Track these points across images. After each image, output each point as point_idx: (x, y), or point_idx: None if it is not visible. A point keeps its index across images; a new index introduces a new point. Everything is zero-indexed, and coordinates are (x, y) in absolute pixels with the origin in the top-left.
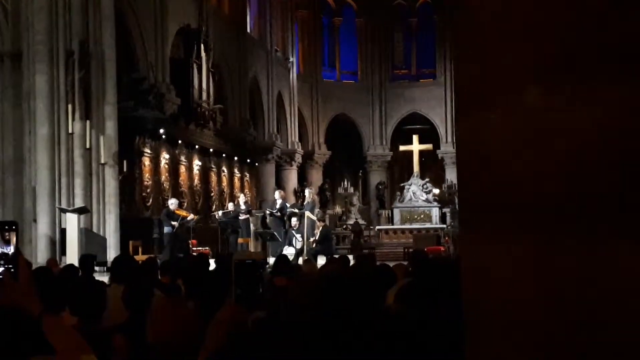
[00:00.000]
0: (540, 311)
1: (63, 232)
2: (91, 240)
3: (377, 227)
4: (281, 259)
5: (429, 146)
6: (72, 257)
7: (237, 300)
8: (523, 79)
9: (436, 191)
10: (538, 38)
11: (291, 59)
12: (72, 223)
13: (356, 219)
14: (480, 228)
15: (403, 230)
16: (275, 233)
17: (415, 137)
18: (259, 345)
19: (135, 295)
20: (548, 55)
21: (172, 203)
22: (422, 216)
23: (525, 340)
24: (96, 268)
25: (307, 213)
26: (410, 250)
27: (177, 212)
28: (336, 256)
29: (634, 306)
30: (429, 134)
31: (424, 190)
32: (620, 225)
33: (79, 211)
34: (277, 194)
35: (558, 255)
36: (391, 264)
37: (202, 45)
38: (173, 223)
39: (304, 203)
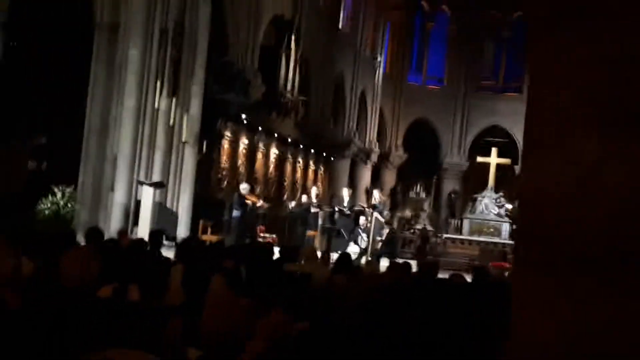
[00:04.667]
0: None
1: (138, 203)
2: (163, 215)
3: (445, 235)
4: (344, 256)
5: (507, 160)
6: (143, 228)
7: (285, 309)
8: (584, 131)
9: (509, 206)
10: (599, 97)
11: (379, 59)
12: (147, 196)
13: (424, 224)
14: (529, 262)
15: (470, 242)
16: (342, 230)
17: (494, 150)
18: (300, 355)
19: (194, 278)
20: (608, 112)
21: (244, 188)
22: (491, 230)
23: None
24: (165, 242)
25: (376, 214)
26: (475, 263)
27: (248, 197)
28: (400, 260)
29: None
30: (509, 149)
31: (497, 204)
32: None
33: (156, 185)
34: (345, 192)
35: (599, 305)
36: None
37: (293, 36)
38: (241, 209)
39: (374, 204)
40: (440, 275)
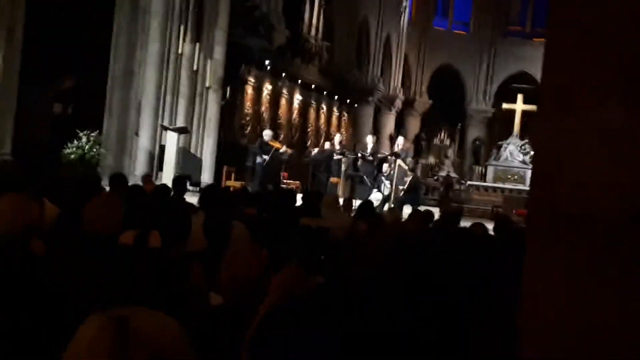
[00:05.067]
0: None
1: (162, 148)
2: (187, 160)
3: (469, 183)
4: (366, 204)
5: (533, 107)
6: (168, 174)
7: (300, 263)
8: (605, 96)
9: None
10: (624, 61)
11: (404, 3)
12: (171, 141)
13: (448, 171)
14: (545, 230)
15: (495, 189)
16: (365, 177)
17: (520, 97)
18: (316, 310)
19: (214, 226)
20: (631, 78)
21: (267, 134)
22: (515, 177)
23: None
24: (189, 188)
25: (399, 161)
26: (499, 210)
27: (271, 143)
28: (422, 208)
29: None
30: (535, 96)
31: (522, 151)
32: None
33: (180, 131)
34: (369, 138)
35: (618, 279)
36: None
37: None
38: (265, 156)
39: (397, 151)
40: (463, 223)
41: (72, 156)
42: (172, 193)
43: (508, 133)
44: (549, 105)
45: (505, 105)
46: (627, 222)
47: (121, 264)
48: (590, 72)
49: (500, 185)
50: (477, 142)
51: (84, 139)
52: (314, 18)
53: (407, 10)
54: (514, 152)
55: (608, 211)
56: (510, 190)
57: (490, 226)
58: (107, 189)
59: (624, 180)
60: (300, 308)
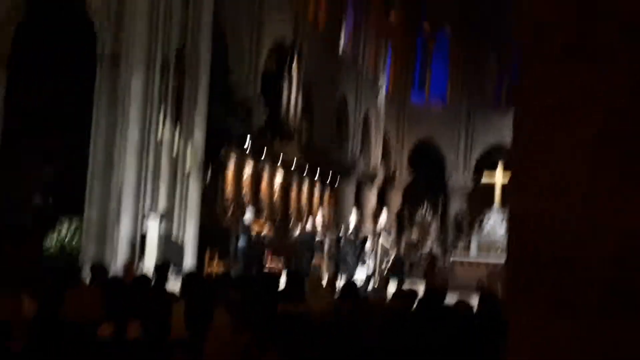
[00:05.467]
0: None
1: (144, 235)
2: (170, 246)
3: (452, 258)
4: (350, 284)
5: None
6: (150, 260)
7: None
8: (578, 161)
9: None
10: (597, 123)
11: (381, 80)
12: (153, 227)
13: (432, 246)
14: (523, 294)
15: (478, 264)
16: (348, 255)
17: (499, 169)
18: None
19: (197, 314)
20: (604, 141)
21: (249, 216)
22: (499, 250)
23: None
24: (172, 274)
25: (382, 238)
26: (484, 284)
27: (253, 225)
28: (406, 286)
29: None
30: None
31: (504, 223)
32: None
33: (161, 216)
34: (352, 216)
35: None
36: (463, 296)
37: (294, 61)
38: (247, 236)
39: (379, 228)
40: (448, 299)
41: (53, 247)
42: (153, 282)
43: (489, 205)
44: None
45: (485, 178)
46: (606, 284)
47: (100, 357)
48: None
49: (484, 259)
50: (459, 216)
51: (65, 229)
52: (292, 98)
53: (385, 86)
54: (496, 225)
55: (584, 273)
56: (495, 264)
57: (475, 301)
58: (88, 279)
59: (600, 241)
60: None
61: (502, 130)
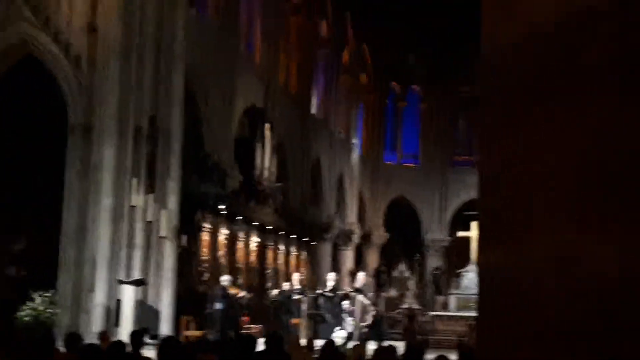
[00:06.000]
0: None
1: (119, 302)
2: (145, 313)
3: (432, 313)
4: (329, 344)
5: None
6: (125, 328)
7: None
8: (549, 219)
9: None
10: (569, 180)
11: (354, 141)
12: (128, 294)
13: (411, 303)
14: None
15: (457, 318)
16: (326, 315)
17: (473, 224)
18: None
19: None
20: (579, 197)
21: (225, 280)
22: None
23: None
24: (148, 341)
25: (360, 296)
26: (463, 340)
27: (231, 289)
28: (386, 343)
29: None
30: None
31: None
32: None
33: (137, 283)
34: (330, 276)
35: None
36: (444, 352)
37: (266, 124)
38: (224, 300)
39: (357, 286)
40: (428, 355)
41: (27, 318)
42: (129, 348)
43: (466, 260)
44: (489, 236)
45: (460, 233)
46: (585, 346)
47: None
48: (520, 196)
49: (464, 313)
50: (437, 272)
51: (38, 300)
52: (266, 161)
53: (358, 146)
54: (474, 279)
55: (563, 334)
56: (474, 318)
57: (454, 357)
58: (62, 349)
59: (580, 301)
60: None
61: (474, 187)
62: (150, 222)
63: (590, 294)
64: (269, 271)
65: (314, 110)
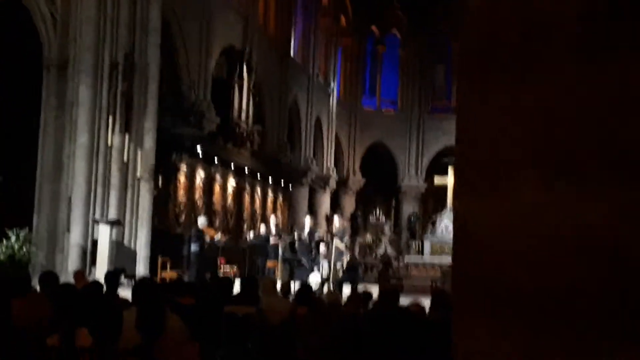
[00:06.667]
0: None
1: (95, 242)
2: (121, 253)
3: (406, 260)
4: (304, 287)
5: None
6: (101, 268)
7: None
8: (523, 172)
9: None
10: (541, 137)
11: (332, 85)
12: (104, 234)
13: (386, 248)
14: (469, 312)
15: (432, 264)
16: (302, 259)
17: (450, 170)
18: None
19: (147, 320)
20: (549, 153)
21: (202, 221)
22: (452, 250)
23: None
24: (124, 281)
25: (336, 241)
26: (437, 284)
27: (206, 231)
28: (360, 288)
29: None
30: None
31: None
32: (611, 327)
33: (112, 223)
34: (306, 220)
35: (546, 355)
36: (418, 297)
37: (244, 66)
38: (200, 242)
39: (333, 230)
40: (402, 300)
41: (2, 256)
42: (104, 289)
43: (442, 206)
44: (464, 182)
45: (437, 180)
46: (551, 299)
47: None
48: (505, 148)
49: (437, 259)
50: (412, 218)
51: (13, 238)
52: (243, 103)
53: (335, 91)
54: (449, 226)
55: (531, 289)
56: (448, 265)
57: (428, 302)
58: (38, 288)
59: (545, 255)
60: None
61: (452, 133)
62: (127, 162)
63: (558, 247)
64: (245, 214)
65: (292, 53)
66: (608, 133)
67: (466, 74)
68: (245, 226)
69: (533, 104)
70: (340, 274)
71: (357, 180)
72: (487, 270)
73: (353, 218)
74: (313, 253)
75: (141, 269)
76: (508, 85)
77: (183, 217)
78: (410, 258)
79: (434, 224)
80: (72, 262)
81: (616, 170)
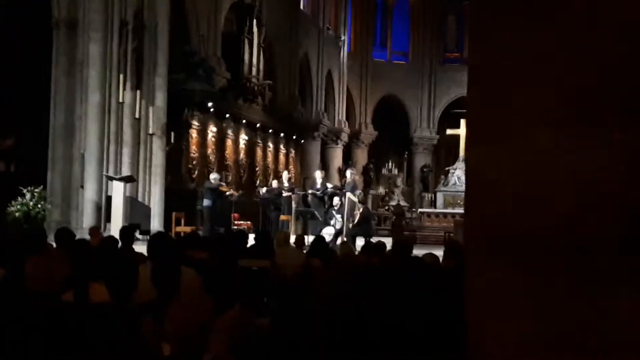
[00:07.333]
0: (538, 348)
1: (109, 199)
2: (136, 209)
3: (419, 210)
4: (318, 240)
5: None
6: (116, 224)
7: (243, 306)
8: (534, 119)
9: None
10: (552, 83)
11: (343, 37)
12: (118, 191)
13: (399, 200)
14: (482, 254)
15: (445, 215)
16: (315, 212)
17: (463, 121)
18: (261, 353)
19: (163, 275)
20: (560, 99)
21: (214, 177)
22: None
23: None
24: (139, 236)
25: (348, 194)
26: (451, 235)
27: (219, 186)
28: (374, 240)
29: (631, 350)
30: None
31: None
32: (620, 270)
33: (126, 180)
34: (318, 174)
35: (556, 295)
36: (431, 249)
37: (254, 20)
38: (213, 197)
39: (346, 183)
40: (416, 251)
41: (17, 214)
42: (119, 244)
43: (454, 158)
44: (476, 131)
45: (449, 131)
46: (562, 242)
47: (64, 323)
48: (518, 97)
49: (451, 210)
50: (425, 169)
51: (28, 196)
52: (254, 58)
53: (346, 43)
54: (462, 177)
55: (542, 232)
56: (461, 215)
57: (441, 253)
58: (54, 244)
59: (557, 200)
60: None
61: (464, 84)
62: (138, 119)
63: (567, 191)
64: (258, 168)
65: (302, 5)
66: (619, 80)
67: (477, 24)
68: (257, 181)
69: (543, 50)
70: (354, 226)
71: (369, 133)
72: (498, 213)
73: (366, 171)
74: (326, 206)
75: (156, 224)
76: (519, 29)
77: (196, 173)
78: (423, 209)
79: (446, 175)
80: (87, 219)
81: (629, 113)
